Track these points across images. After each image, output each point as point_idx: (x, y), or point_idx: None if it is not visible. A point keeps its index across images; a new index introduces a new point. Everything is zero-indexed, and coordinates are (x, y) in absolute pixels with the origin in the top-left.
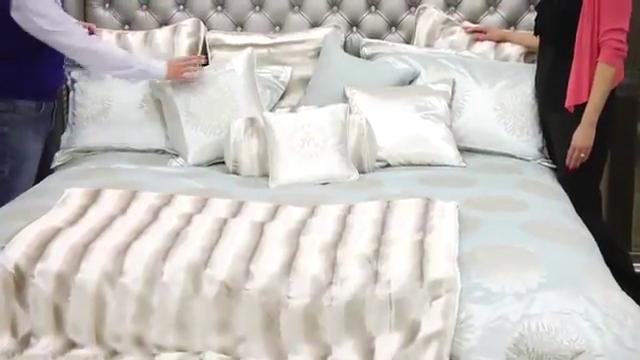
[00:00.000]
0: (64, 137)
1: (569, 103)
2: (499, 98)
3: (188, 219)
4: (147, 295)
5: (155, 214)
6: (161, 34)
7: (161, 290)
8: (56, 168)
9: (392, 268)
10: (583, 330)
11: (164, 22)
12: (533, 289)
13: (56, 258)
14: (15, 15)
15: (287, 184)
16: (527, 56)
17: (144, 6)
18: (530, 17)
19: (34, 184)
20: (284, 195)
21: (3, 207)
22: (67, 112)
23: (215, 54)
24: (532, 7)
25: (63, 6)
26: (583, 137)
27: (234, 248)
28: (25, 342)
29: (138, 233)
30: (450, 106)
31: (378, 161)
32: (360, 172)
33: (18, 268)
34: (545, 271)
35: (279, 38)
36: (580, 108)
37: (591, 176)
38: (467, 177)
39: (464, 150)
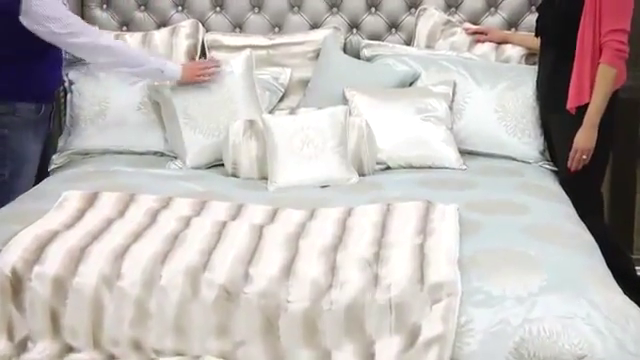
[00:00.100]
0: (61, 139)
1: (570, 105)
2: (500, 100)
3: (187, 222)
4: (145, 299)
5: (153, 217)
6: (159, 35)
7: (159, 294)
8: (53, 171)
9: (392, 272)
10: (585, 334)
11: (162, 23)
12: (534, 293)
13: (53, 261)
14: (24, 20)
15: (286, 187)
16: (528, 58)
17: (142, 7)
18: (531, 18)
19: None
20: (283, 198)
21: (0, 210)
22: (64, 114)
23: (214, 55)
24: (533, 8)
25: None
26: (585, 139)
27: (233, 251)
28: (22, 346)
29: (136, 236)
30: (451, 108)
31: (378, 164)
32: (360, 175)
33: (15, 271)
34: (546, 274)
35: (278, 39)
36: (582, 110)
37: (593, 178)
38: (468, 180)
39: (465, 152)
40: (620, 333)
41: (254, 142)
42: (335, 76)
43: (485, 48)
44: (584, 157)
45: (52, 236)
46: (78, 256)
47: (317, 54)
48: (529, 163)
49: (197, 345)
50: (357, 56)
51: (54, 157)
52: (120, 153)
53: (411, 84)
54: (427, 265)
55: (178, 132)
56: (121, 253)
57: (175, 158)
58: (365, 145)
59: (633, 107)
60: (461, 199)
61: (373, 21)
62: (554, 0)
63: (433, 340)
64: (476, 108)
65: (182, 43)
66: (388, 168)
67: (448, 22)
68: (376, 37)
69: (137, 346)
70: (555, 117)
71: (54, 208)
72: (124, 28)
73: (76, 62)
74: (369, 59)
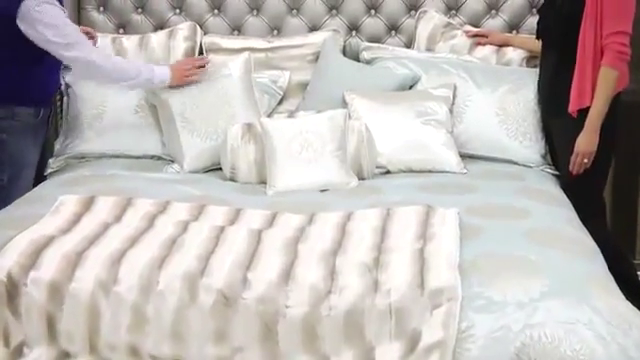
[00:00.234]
0: (58, 143)
1: (572, 108)
2: (501, 103)
3: (184, 227)
4: (142, 304)
5: (150, 221)
6: (157, 38)
7: (156, 299)
8: (49, 175)
9: (392, 277)
10: (587, 340)
11: (160, 26)
12: (536, 298)
13: (49, 266)
14: (21, 24)
15: (285, 191)
16: (529, 60)
17: (139, 9)
18: (532, 21)
19: None
20: (282, 202)
21: None
22: (61, 117)
23: (212, 58)
24: (534, 11)
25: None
26: (586, 142)
27: (231, 256)
28: (18, 352)
29: (133, 241)
30: (451, 111)
31: (378, 167)
32: (359, 179)
33: (10, 277)
34: (548, 280)
35: (277, 42)
36: (583, 113)
37: (595, 183)
38: (468, 184)
39: (465, 156)
40: (622, 339)
41: (252, 146)
42: (334, 79)
43: (486, 51)
44: (585, 161)
45: (48, 241)
46: (74, 261)
47: (316, 57)
48: (530, 167)
49: (195, 351)
50: (356, 59)
51: (50, 161)
52: (117, 157)
53: (411, 87)
54: (427, 270)
55: (175, 136)
56: (118, 258)
57: (172, 162)
58: (365, 149)
59: (636, 110)
60: (462, 203)
61: (373, 23)
62: (555, 1)
63: (433, 346)
64: (477, 111)
65: (180, 46)
66: (388, 172)
67: (448, 25)
68: (376, 40)
69: (134, 352)
70: (556, 120)
71: (50, 212)
72: (121, 30)
73: None
74: (369, 62)
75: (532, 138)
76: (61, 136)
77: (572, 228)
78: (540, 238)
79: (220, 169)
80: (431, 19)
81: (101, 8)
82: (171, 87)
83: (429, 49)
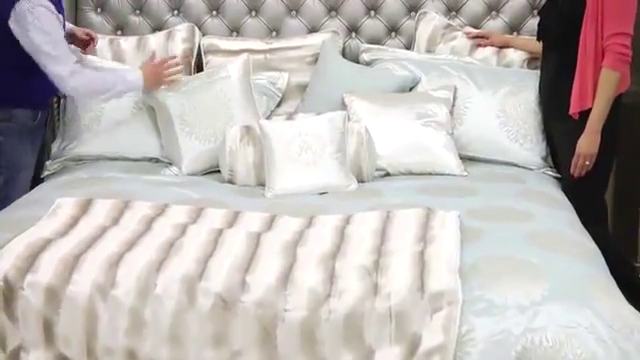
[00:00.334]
0: (55, 145)
1: (573, 110)
2: (502, 105)
3: (182, 230)
4: (140, 308)
5: (148, 224)
6: (155, 39)
7: (154, 303)
8: (46, 177)
9: (392, 280)
10: (588, 344)
11: (158, 27)
12: (537, 301)
13: (46, 270)
14: (13, 26)
15: (284, 194)
16: (530, 62)
17: (137, 11)
18: (533, 22)
19: None
20: (281, 205)
21: None
22: (58, 120)
23: (210, 60)
24: (535, 12)
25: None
26: (588, 144)
27: (229, 259)
28: (14, 356)
29: (131, 244)
30: (451, 113)
31: (377, 170)
32: (359, 181)
33: (7, 280)
34: (549, 283)
35: (276, 44)
36: (585, 115)
37: (596, 185)
38: (469, 186)
39: (466, 159)
40: (624, 343)
41: (251, 148)
42: (334, 81)
43: (486, 52)
44: (587, 163)
45: (45, 244)
46: (72, 264)
47: (315, 58)
48: (531, 169)
49: (193, 355)
50: (356, 60)
51: (47, 163)
52: (115, 159)
53: (411, 89)
54: (427, 273)
55: (174, 138)
56: (115, 261)
57: (170, 164)
58: (364, 151)
59: (637, 112)
60: (462, 206)
61: (372, 25)
62: (557, 0)
63: (434, 350)
64: (477, 113)
65: (178, 47)
66: (388, 174)
67: (449, 26)
68: (375, 41)
69: (132, 356)
70: (558, 122)
71: (47, 215)
72: (119, 32)
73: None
74: (368, 63)
75: (533, 140)
76: (58, 138)
77: (573, 231)
78: (541, 241)
79: (218, 171)
80: (431, 20)
81: (99, 9)
82: (145, 92)
83: (429, 50)
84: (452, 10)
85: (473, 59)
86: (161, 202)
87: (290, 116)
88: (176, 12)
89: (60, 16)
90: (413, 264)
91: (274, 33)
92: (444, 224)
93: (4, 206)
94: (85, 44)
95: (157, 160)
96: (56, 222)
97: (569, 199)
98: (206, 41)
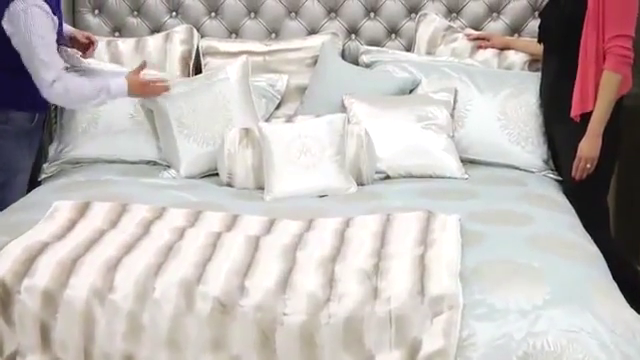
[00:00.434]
0: (52, 148)
1: (574, 112)
2: (503, 107)
3: (180, 233)
4: (138, 312)
5: (146, 228)
6: (153, 41)
7: (152, 307)
8: (44, 180)
9: (392, 284)
10: (590, 348)
11: (156, 29)
12: (538, 306)
13: (43, 274)
14: (7, 26)
15: (283, 197)
16: (531, 64)
17: (135, 12)
18: (534, 24)
19: None
20: (280, 208)
21: None
22: (55, 122)
23: (209, 62)
24: (536, 14)
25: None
26: (589, 147)
27: (228, 263)
28: None
29: (129, 248)
30: (452, 116)
31: (377, 173)
32: (359, 184)
33: (4, 284)
34: (551, 287)
35: (275, 45)
36: (586, 118)
37: (598, 188)
38: (469, 189)
39: (466, 161)
40: (626, 347)
41: (250, 151)
42: (333, 83)
43: (487, 54)
44: (588, 166)
45: (42, 247)
46: (69, 268)
47: (315, 60)
48: (532, 172)
49: (191, 359)
50: (356, 62)
51: (44, 166)
52: (112, 162)
53: (411, 91)
54: (428, 277)
55: (172, 140)
56: (113, 265)
57: (169, 167)
58: (364, 154)
59: (639, 114)
60: (463, 209)
61: (372, 26)
62: (559, 1)
63: (434, 354)
64: (478, 116)
65: (176, 49)
66: (388, 177)
67: (449, 28)
68: (375, 43)
69: None
70: (559, 125)
71: (44, 218)
72: (116, 34)
73: (68, 69)
74: (368, 65)
75: (534, 143)
76: (55, 141)
77: (575, 234)
78: (543, 244)
79: (217, 174)
80: (431, 22)
81: (96, 11)
82: (130, 96)
83: (429, 52)
84: (453, 12)
85: (474, 61)
86: (159, 205)
87: (289, 118)
88: (174, 14)
89: (55, 18)
90: (413, 268)
91: (273, 35)
92: (445, 227)
93: (1, 209)
94: (85, 48)
95: (155, 163)
96: (53, 225)
97: (570, 202)
98: (205, 43)
